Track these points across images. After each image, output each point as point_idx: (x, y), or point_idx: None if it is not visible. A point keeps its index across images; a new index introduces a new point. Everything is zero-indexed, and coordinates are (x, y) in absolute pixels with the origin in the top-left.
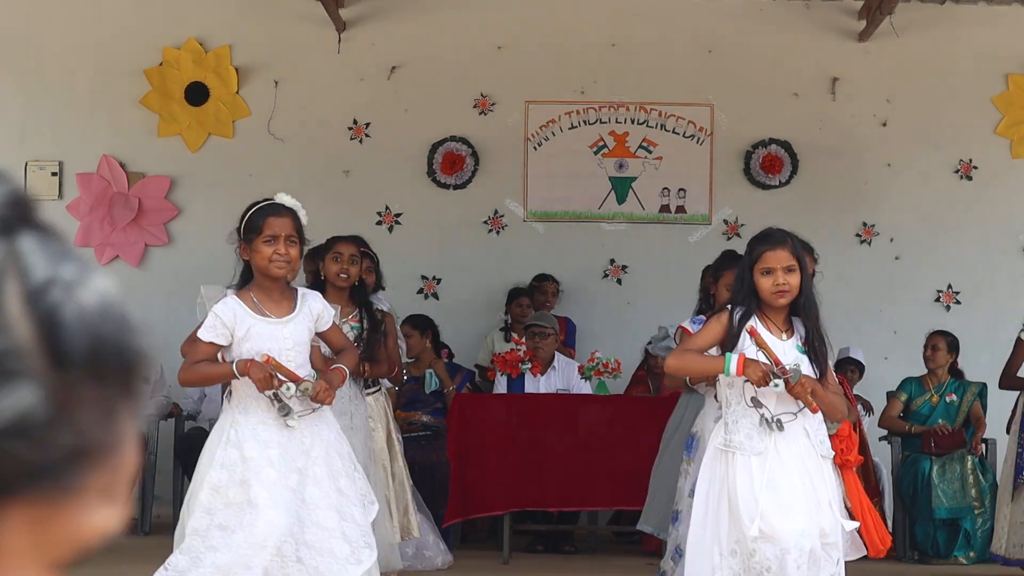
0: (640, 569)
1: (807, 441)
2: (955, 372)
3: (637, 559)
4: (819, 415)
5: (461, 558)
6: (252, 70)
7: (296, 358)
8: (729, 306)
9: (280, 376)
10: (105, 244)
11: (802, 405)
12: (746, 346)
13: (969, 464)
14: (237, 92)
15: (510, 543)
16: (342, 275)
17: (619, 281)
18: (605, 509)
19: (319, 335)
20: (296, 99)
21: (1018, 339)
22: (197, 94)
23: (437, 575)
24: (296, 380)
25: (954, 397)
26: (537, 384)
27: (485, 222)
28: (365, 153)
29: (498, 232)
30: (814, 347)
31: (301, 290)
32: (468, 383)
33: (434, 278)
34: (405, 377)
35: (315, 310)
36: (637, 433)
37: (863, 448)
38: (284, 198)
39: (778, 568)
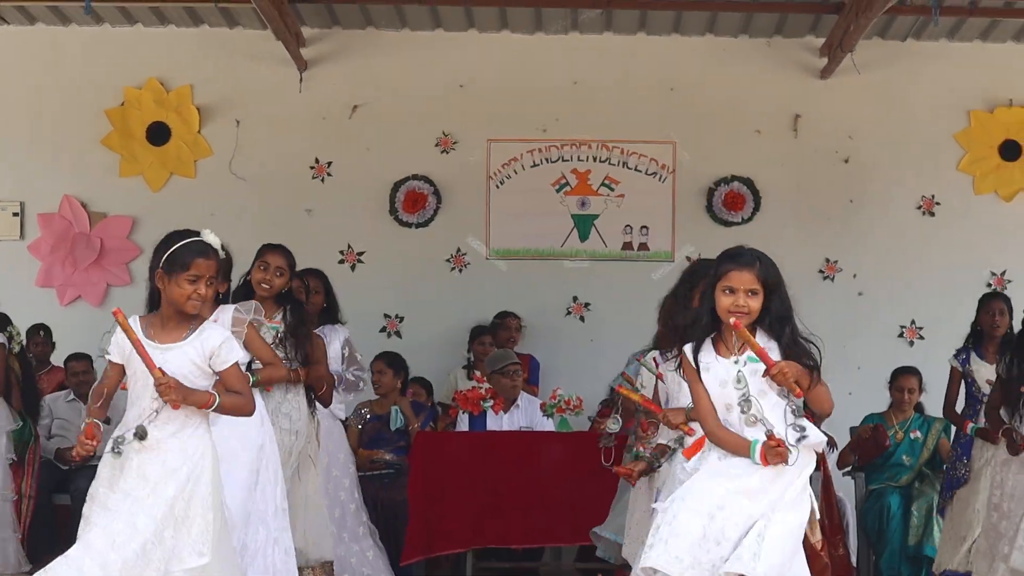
0: None
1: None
2: (918, 407)
3: None
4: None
5: None
6: (214, 109)
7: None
8: (683, 348)
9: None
10: (67, 284)
11: (787, 394)
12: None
13: (935, 502)
14: (199, 131)
15: None
16: (263, 284)
17: (582, 318)
18: (569, 545)
19: (218, 375)
20: (258, 138)
21: (951, 368)
22: (159, 134)
23: None
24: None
25: (919, 434)
26: (500, 422)
27: (448, 260)
28: (327, 192)
29: (461, 270)
30: (792, 352)
31: (206, 324)
32: (432, 421)
33: (397, 316)
34: (365, 412)
35: (209, 346)
36: (600, 469)
37: (827, 484)
38: (210, 237)
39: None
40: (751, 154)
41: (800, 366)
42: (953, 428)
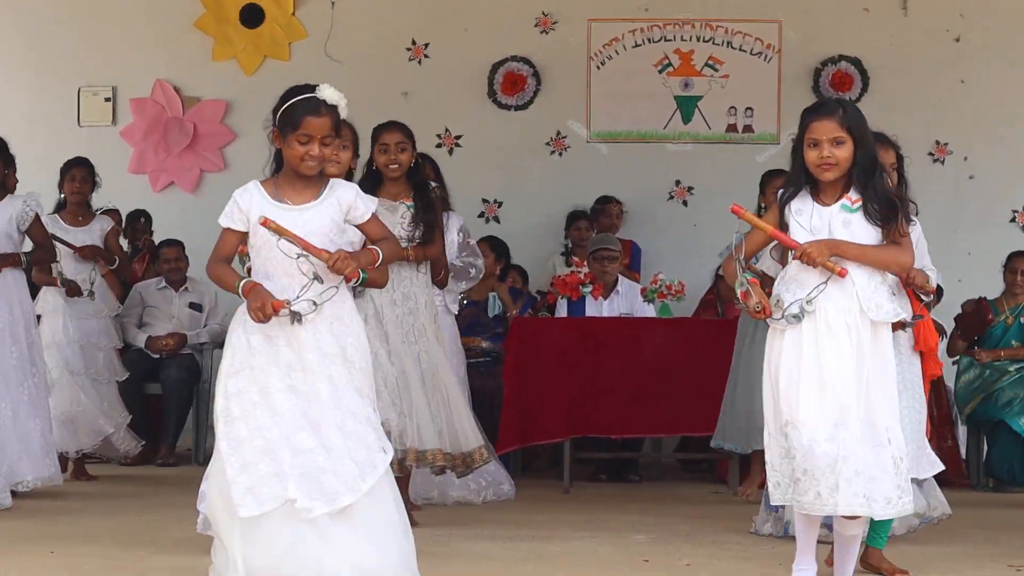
0: (706, 497)
1: (855, 305)
2: None
3: (704, 487)
4: (876, 279)
5: (521, 487)
6: None
7: None
8: (779, 192)
9: (289, 245)
10: (160, 170)
11: (828, 274)
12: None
13: None
14: (293, 14)
15: (571, 472)
16: (391, 165)
17: (685, 203)
18: (670, 436)
19: (359, 228)
20: (353, 20)
21: None
22: (252, 16)
23: (503, 503)
24: (307, 248)
25: None
26: (599, 308)
27: (547, 144)
28: (424, 74)
29: (561, 154)
30: (870, 205)
31: (334, 180)
32: (530, 308)
33: (495, 201)
34: (462, 298)
35: (344, 201)
36: (703, 357)
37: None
38: (327, 91)
39: (804, 457)
40: (859, 33)
41: (829, 242)
42: None
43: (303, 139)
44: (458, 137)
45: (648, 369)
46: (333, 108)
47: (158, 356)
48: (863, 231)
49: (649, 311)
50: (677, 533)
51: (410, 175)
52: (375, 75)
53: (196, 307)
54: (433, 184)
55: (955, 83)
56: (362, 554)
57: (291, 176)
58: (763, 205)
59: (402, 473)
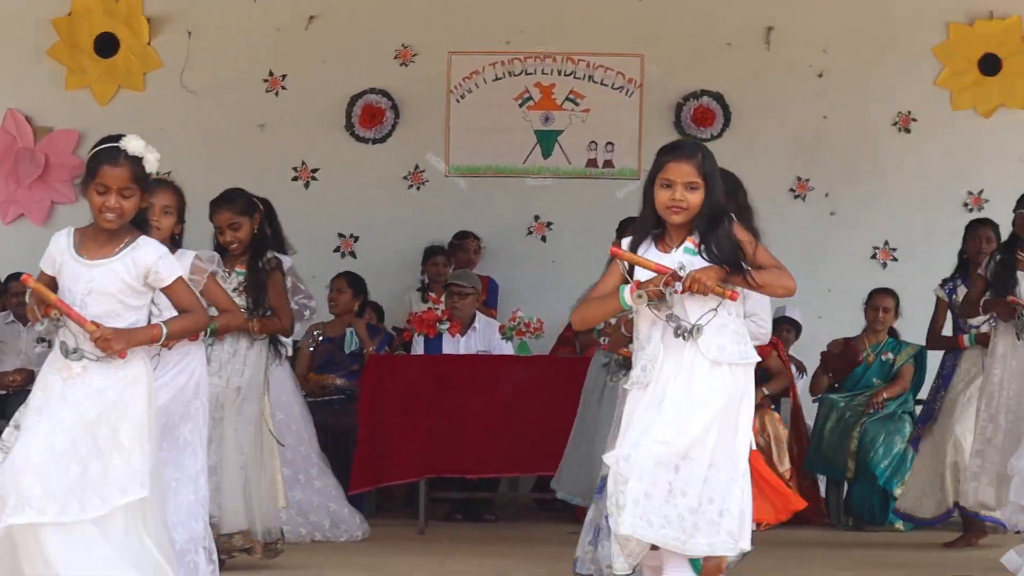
0: (564, 539)
1: (695, 349)
2: (892, 332)
3: (561, 527)
4: (720, 320)
5: (375, 527)
6: (164, 20)
7: (94, 307)
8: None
9: (48, 305)
10: (10, 202)
11: (719, 300)
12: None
13: (903, 431)
14: (148, 43)
15: (426, 512)
16: (232, 245)
17: (544, 238)
18: (526, 475)
19: (164, 293)
20: (210, 50)
21: (937, 298)
22: (107, 45)
23: (356, 546)
24: (71, 315)
25: (890, 355)
26: (456, 345)
27: (405, 177)
28: (281, 106)
29: (419, 188)
30: (712, 246)
31: (141, 239)
32: (387, 346)
33: (352, 236)
34: (317, 335)
35: (142, 262)
36: (561, 395)
37: (796, 412)
38: (131, 143)
39: (615, 500)
40: (721, 68)
41: (717, 268)
42: (930, 355)
43: (100, 189)
44: (315, 170)
45: (505, 407)
46: (136, 160)
47: (4, 392)
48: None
49: (507, 348)
50: None
51: (254, 246)
52: (232, 106)
53: (44, 342)
54: (268, 255)
55: (818, 119)
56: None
57: (96, 229)
58: None
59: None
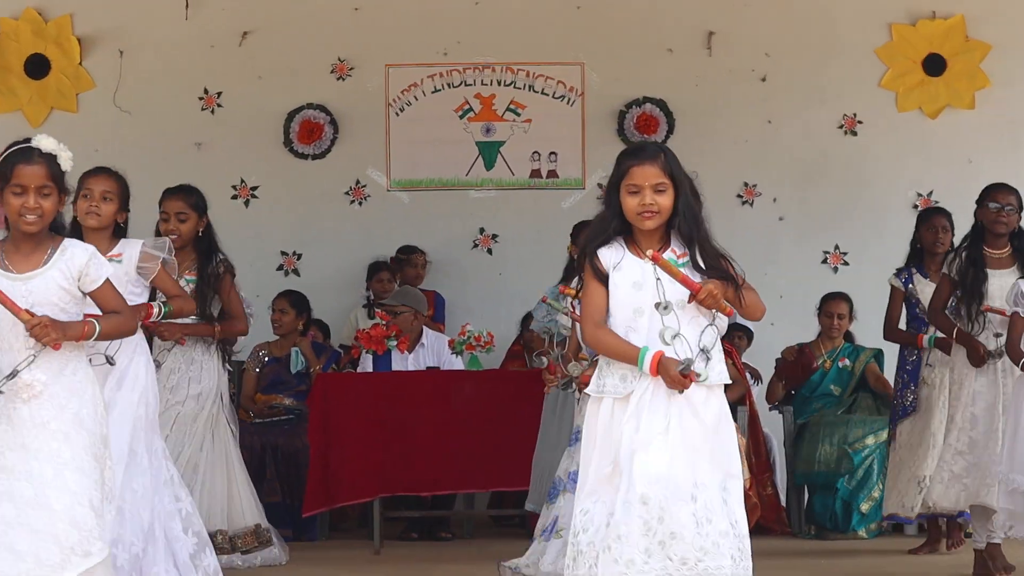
0: (521, 554)
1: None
2: (848, 337)
3: (518, 543)
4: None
5: (329, 548)
6: (96, 39)
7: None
8: (586, 247)
9: None
10: None
11: (715, 313)
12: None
13: (866, 440)
14: (80, 63)
15: (381, 531)
16: (172, 235)
17: (490, 251)
18: (482, 491)
19: (91, 296)
20: (143, 69)
21: (892, 287)
22: (38, 67)
23: (312, 569)
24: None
25: (847, 362)
26: (405, 361)
27: (347, 193)
28: (218, 123)
29: (361, 203)
30: (701, 260)
31: (68, 242)
32: (334, 363)
33: (294, 253)
34: (263, 355)
35: (75, 265)
36: (514, 409)
37: (753, 420)
38: (43, 141)
39: (665, 516)
40: (663, 74)
41: (722, 281)
42: (894, 352)
43: (17, 190)
44: (254, 188)
45: (458, 423)
46: (50, 157)
47: None
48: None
49: (457, 363)
50: None
51: (198, 244)
52: (167, 125)
53: None
54: (219, 257)
55: (762, 123)
56: None
57: (17, 239)
58: (573, 256)
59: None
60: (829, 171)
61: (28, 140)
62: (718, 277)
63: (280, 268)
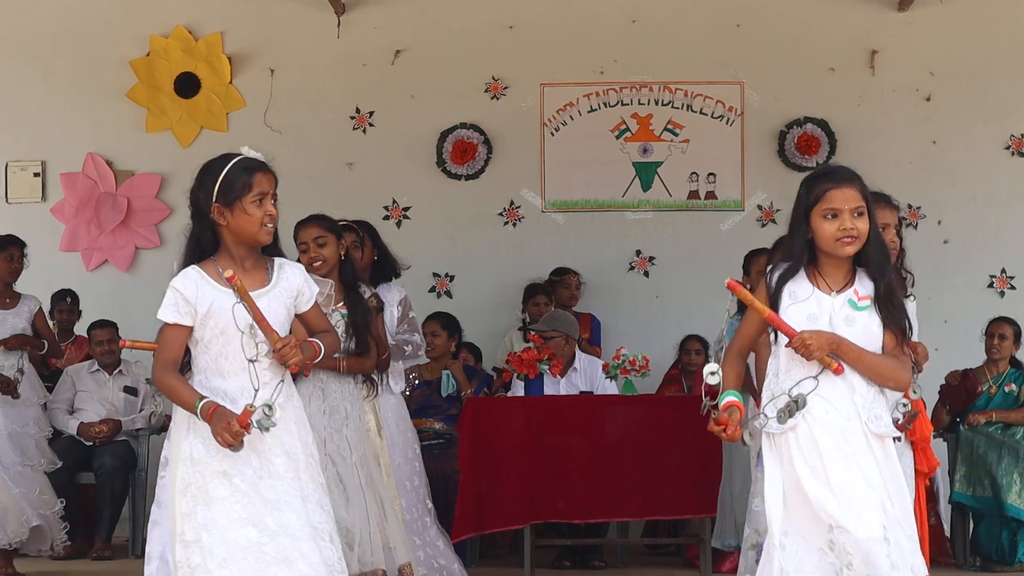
0: None
1: (852, 412)
2: (1014, 362)
3: (673, 572)
4: (875, 388)
5: None
6: (246, 58)
7: (262, 342)
8: (769, 268)
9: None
10: (93, 248)
11: (821, 368)
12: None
13: None
14: (230, 82)
15: (532, 559)
16: (316, 263)
17: (646, 273)
18: (636, 519)
19: (298, 317)
20: (294, 88)
21: None
22: (187, 85)
23: None
24: (261, 324)
25: (1013, 387)
26: (557, 386)
27: (500, 214)
28: (369, 143)
29: (515, 224)
30: (884, 303)
31: (278, 260)
32: (486, 387)
33: (447, 275)
34: (414, 378)
35: (294, 285)
36: (670, 436)
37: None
38: (251, 152)
39: (863, 561)
40: (825, 94)
41: (830, 336)
42: None
43: (256, 200)
44: (406, 208)
45: (611, 449)
46: (269, 165)
47: (91, 443)
48: (866, 334)
49: (611, 388)
50: None
51: (342, 276)
52: (318, 145)
53: (131, 391)
54: (368, 293)
55: (927, 143)
56: None
57: (236, 256)
58: (747, 285)
59: None
60: (995, 193)
61: (231, 155)
62: (894, 326)
63: (432, 290)
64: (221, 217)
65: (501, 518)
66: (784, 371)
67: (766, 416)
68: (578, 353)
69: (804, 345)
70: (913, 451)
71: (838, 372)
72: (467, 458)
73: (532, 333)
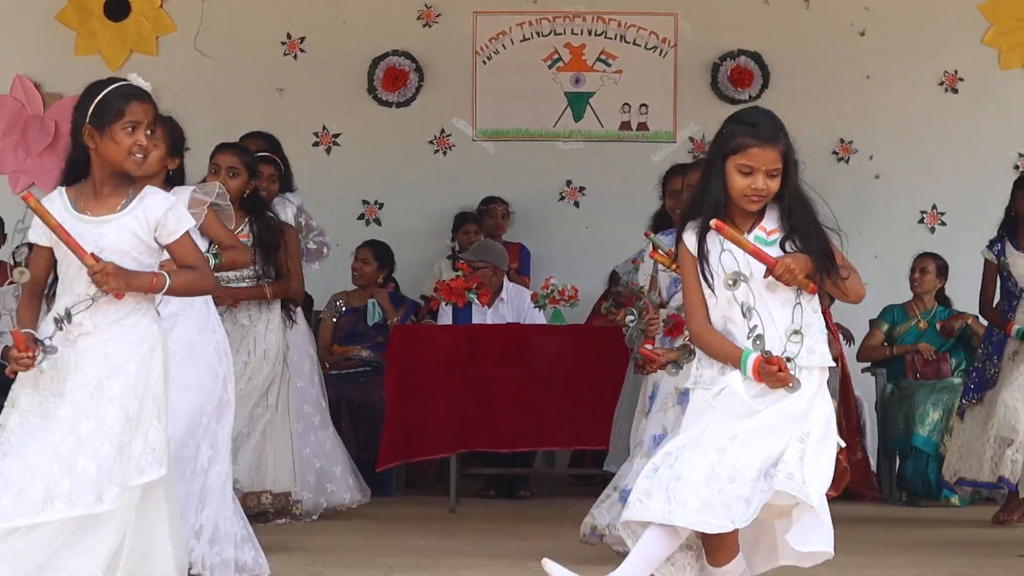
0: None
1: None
2: (942, 299)
3: None
4: (810, 319)
5: (405, 505)
6: None
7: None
8: (682, 227)
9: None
10: (19, 171)
11: (796, 292)
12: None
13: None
14: (161, 6)
15: (458, 488)
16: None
17: (577, 204)
18: (563, 449)
19: (167, 249)
20: (225, 12)
21: (985, 261)
22: (117, 9)
23: (385, 524)
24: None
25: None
26: (485, 315)
27: (431, 142)
28: (300, 69)
29: (445, 153)
30: (796, 235)
31: (148, 189)
32: (413, 315)
33: (376, 203)
34: (340, 305)
35: (153, 215)
36: (598, 366)
37: (845, 382)
38: (138, 80)
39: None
40: (759, 26)
41: (806, 258)
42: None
43: (128, 128)
44: (336, 135)
45: (539, 379)
46: (151, 96)
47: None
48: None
49: (540, 317)
50: (574, 560)
51: (244, 204)
52: (248, 71)
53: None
54: (269, 215)
55: (860, 79)
56: None
57: (99, 182)
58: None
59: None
60: (928, 129)
61: (115, 79)
62: (811, 251)
63: (361, 217)
64: (91, 140)
65: (427, 446)
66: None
67: (699, 377)
68: (506, 283)
69: (788, 270)
70: None
71: (813, 292)
72: (394, 386)
73: (461, 262)
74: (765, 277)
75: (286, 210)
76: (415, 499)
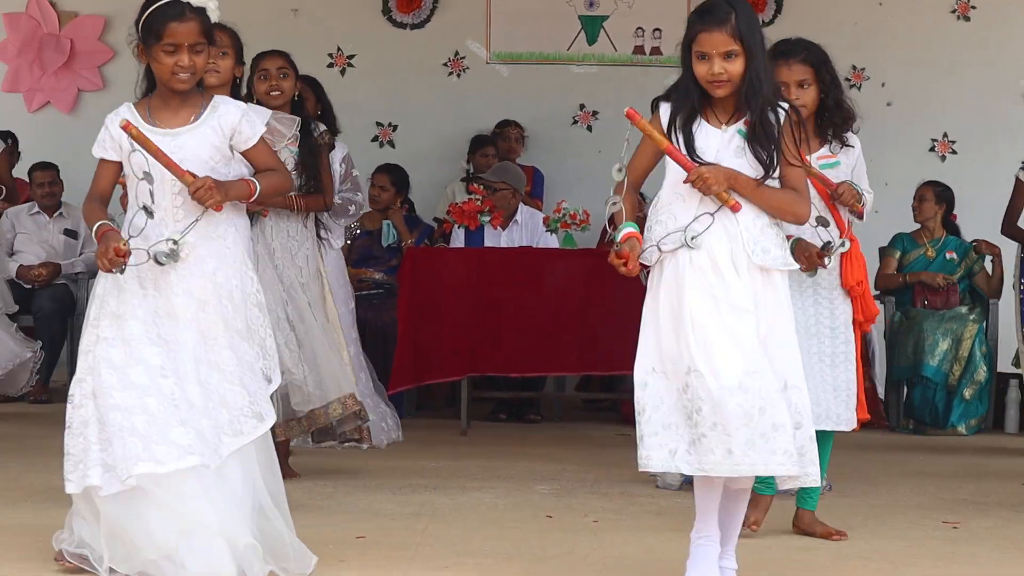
0: (611, 440)
1: (738, 246)
2: (950, 227)
3: (609, 428)
4: (764, 219)
5: (415, 428)
6: None
7: None
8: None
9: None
10: (35, 89)
11: (719, 205)
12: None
13: (969, 328)
14: None
15: (468, 411)
16: (272, 92)
17: (589, 128)
18: (573, 374)
19: (244, 155)
20: None
21: (1017, 179)
22: None
23: (396, 447)
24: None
25: (954, 255)
26: (498, 238)
27: (445, 64)
28: None
29: (459, 75)
30: (756, 134)
31: (218, 98)
32: (427, 238)
33: (390, 125)
34: (355, 227)
35: (228, 123)
36: (609, 291)
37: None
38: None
39: (712, 410)
40: None
41: (728, 171)
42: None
43: (169, 49)
44: (351, 57)
45: (550, 303)
46: (200, 11)
47: (30, 286)
48: (753, 163)
49: (552, 241)
50: (582, 483)
51: (294, 110)
52: None
53: (71, 234)
54: (320, 129)
55: (872, 5)
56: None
57: (165, 95)
58: None
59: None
60: (940, 57)
61: None
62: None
63: (375, 139)
64: (144, 56)
65: (439, 370)
66: (666, 208)
67: (658, 249)
68: (520, 206)
69: (702, 179)
70: (851, 300)
71: (735, 209)
72: (406, 309)
73: (474, 184)
74: (684, 183)
75: (335, 156)
76: (426, 421)
